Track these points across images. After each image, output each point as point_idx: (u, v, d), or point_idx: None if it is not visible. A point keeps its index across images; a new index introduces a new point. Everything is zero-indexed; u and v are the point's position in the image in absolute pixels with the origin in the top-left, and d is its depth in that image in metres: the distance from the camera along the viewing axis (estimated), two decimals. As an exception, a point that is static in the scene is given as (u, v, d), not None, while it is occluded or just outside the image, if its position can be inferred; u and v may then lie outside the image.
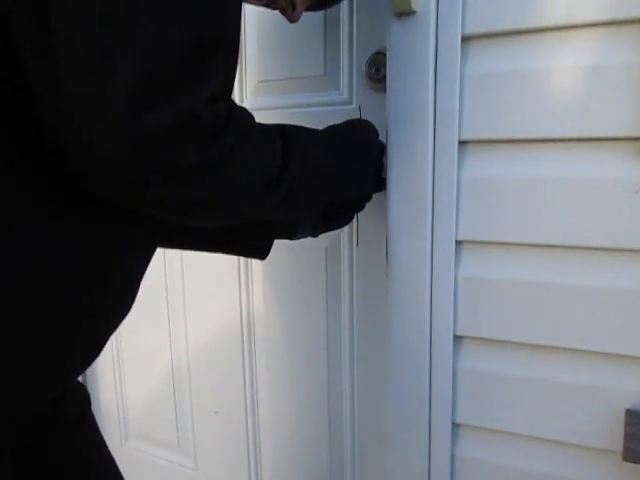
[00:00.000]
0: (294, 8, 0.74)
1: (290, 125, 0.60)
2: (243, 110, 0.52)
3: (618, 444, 0.71)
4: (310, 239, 0.96)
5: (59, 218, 0.47)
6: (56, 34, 0.40)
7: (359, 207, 0.82)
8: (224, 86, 0.49)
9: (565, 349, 0.73)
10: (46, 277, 0.47)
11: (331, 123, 0.72)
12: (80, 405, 0.73)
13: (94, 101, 0.40)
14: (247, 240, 0.78)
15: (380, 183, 0.79)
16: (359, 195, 0.78)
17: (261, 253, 0.79)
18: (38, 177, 0.45)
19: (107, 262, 0.52)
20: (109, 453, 0.75)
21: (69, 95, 0.40)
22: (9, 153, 0.45)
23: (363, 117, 0.78)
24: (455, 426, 0.82)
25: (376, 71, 0.90)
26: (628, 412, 0.69)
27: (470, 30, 0.71)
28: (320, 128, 0.69)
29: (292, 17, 0.76)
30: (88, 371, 1.40)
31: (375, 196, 0.90)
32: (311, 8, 0.79)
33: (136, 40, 0.41)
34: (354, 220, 0.88)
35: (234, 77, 0.54)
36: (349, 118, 0.75)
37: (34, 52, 0.41)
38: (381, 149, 0.77)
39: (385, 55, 0.77)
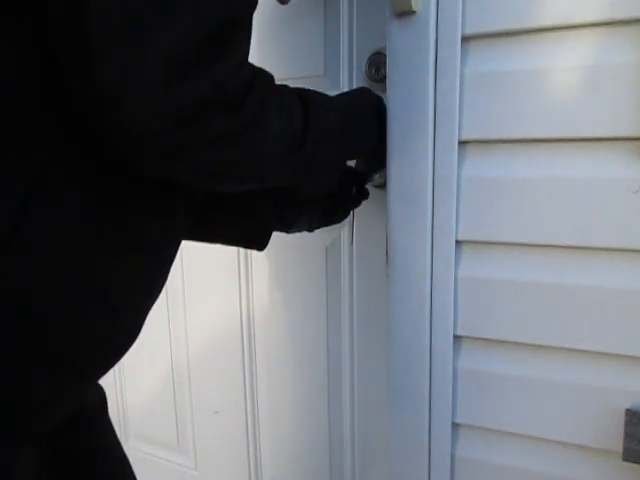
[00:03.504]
0: None
1: (306, 89, 0.62)
2: (263, 72, 0.53)
3: (618, 444, 0.71)
4: (310, 238, 0.96)
5: (92, 203, 0.48)
6: (92, 3, 0.38)
7: (355, 203, 0.82)
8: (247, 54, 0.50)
9: (565, 349, 0.73)
10: (77, 262, 0.48)
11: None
12: (97, 404, 0.74)
13: (130, 71, 0.40)
14: (246, 230, 0.79)
15: (383, 151, 0.79)
16: (370, 154, 0.79)
17: (260, 243, 0.80)
18: (71, 161, 0.46)
19: (140, 246, 0.53)
20: (123, 453, 0.76)
21: (104, 65, 0.39)
22: (40, 138, 0.45)
23: None
24: (455, 426, 0.82)
25: (376, 71, 0.90)
26: (628, 412, 0.69)
27: (470, 30, 0.71)
28: None
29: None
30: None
31: (374, 195, 0.90)
32: None
33: (176, 10, 0.41)
34: (351, 218, 0.88)
35: (249, 47, 0.55)
36: None
37: (67, 23, 0.40)
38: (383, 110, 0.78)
39: (385, 55, 0.77)
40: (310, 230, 0.84)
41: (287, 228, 0.81)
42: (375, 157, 0.80)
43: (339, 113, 0.65)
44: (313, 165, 0.62)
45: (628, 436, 0.69)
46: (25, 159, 0.44)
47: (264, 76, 0.53)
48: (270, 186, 0.64)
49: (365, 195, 0.82)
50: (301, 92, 0.60)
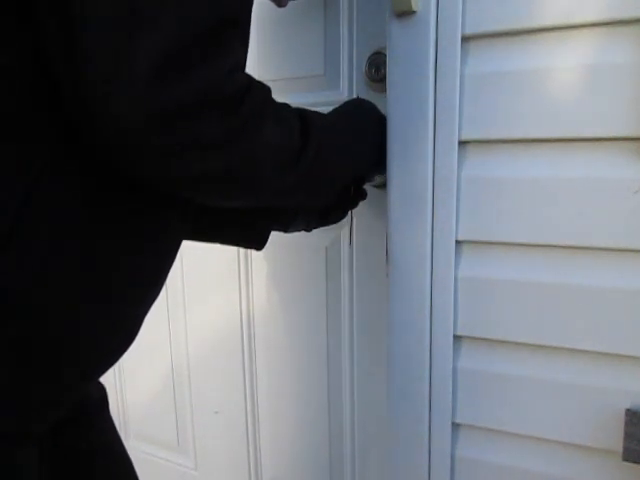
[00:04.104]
0: None
1: (302, 108, 0.61)
2: (261, 83, 0.53)
3: (618, 444, 0.71)
4: (310, 238, 0.96)
5: (92, 203, 0.47)
6: (81, 2, 0.38)
7: (353, 204, 0.82)
8: (243, 59, 0.50)
9: (565, 349, 0.73)
10: (77, 263, 0.47)
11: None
12: (98, 402, 0.74)
13: (120, 71, 0.39)
14: (245, 230, 0.79)
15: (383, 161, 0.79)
16: (370, 173, 0.79)
17: (258, 243, 0.80)
18: (70, 161, 0.45)
19: (141, 247, 0.53)
20: (124, 450, 0.76)
21: (93, 65, 0.39)
22: (40, 138, 0.44)
23: None
24: (455, 426, 0.82)
25: (376, 71, 0.90)
26: (628, 412, 0.69)
27: (470, 30, 0.71)
28: None
29: (280, 3, 0.77)
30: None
31: (374, 195, 0.90)
32: None
33: (165, 10, 0.40)
34: (349, 219, 0.88)
35: (247, 52, 0.55)
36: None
37: (57, 23, 0.39)
38: (383, 123, 0.77)
39: (385, 55, 0.77)
40: (308, 230, 0.84)
41: (285, 228, 0.81)
42: (374, 167, 0.80)
43: (339, 133, 0.65)
44: (310, 185, 0.61)
45: (628, 436, 0.69)
46: (25, 159, 0.44)
47: (262, 86, 0.53)
48: (264, 204, 0.63)
49: (363, 196, 0.82)
50: (301, 112, 0.59)
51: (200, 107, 0.43)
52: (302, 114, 0.59)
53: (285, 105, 0.57)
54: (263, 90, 0.53)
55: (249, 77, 0.50)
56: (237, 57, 0.48)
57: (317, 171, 0.60)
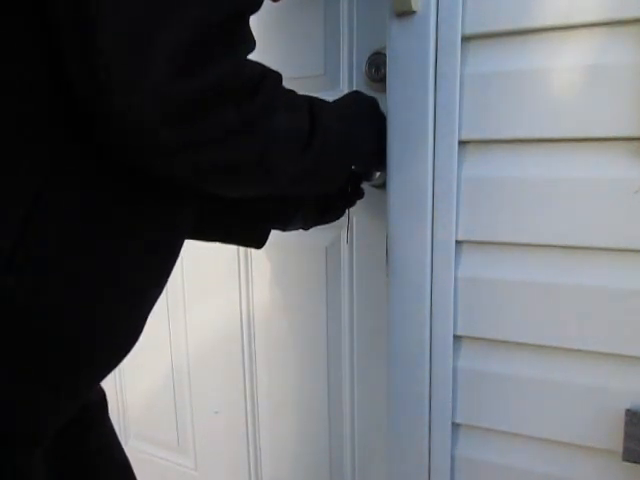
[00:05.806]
0: None
1: (308, 95, 0.61)
2: (272, 70, 0.53)
3: (618, 444, 0.71)
4: (310, 239, 0.97)
5: (92, 203, 0.47)
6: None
7: (350, 203, 0.82)
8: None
9: (565, 349, 0.73)
10: (79, 263, 0.47)
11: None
12: (98, 405, 0.74)
13: (138, 68, 0.39)
14: (245, 228, 0.79)
15: (382, 151, 0.79)
16: (370, 165, 0.80)
17: (258, 242, 0.80)
18: (70, 161, 0.45)
19: (142, 246, 0.52)
20: (124, 453, 0.76)
21: (111, 65, 0.39)
22: (41, 138, 0.44)
23: None
24: (455, 426, 0.82)
25: (376, 71, 0.90)
26: (628, 412, 0.69)
27: (470, 30, 0.71)
28: None
29: None
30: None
31: (374, 195, 0.90)
32: None
33: (182, 4, 0.40)
34: (347, 218, 0.88)
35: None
36: None
37: (73, 22, 0.39)
38: (380, 112, 0.78)
39: (385, 55, 0.77)
40: (305, 228, 0.84)
41: (284, 226, 0.81)
42: (374, 158, 0.80)
43: (341, 118, 0.65)
44: (317, 171, 0.61)
45: (628, 436, 0.69)
46: (28, 159, 0.44)
47: (274, 73, 0.53)
48: (278, 192, 0.63)
49: (360, 195, 0.83)
50: (309, 98, 0.60)
51: (218, 99, 0.43)
52: (310, 102, 0.59)
53: (295, 93, 0.58)
54: (275, 77, 0.53)
55: (262, 65, 0.51)
56: (250, 46, 0.48)
57: (326, 154, 0.60)
